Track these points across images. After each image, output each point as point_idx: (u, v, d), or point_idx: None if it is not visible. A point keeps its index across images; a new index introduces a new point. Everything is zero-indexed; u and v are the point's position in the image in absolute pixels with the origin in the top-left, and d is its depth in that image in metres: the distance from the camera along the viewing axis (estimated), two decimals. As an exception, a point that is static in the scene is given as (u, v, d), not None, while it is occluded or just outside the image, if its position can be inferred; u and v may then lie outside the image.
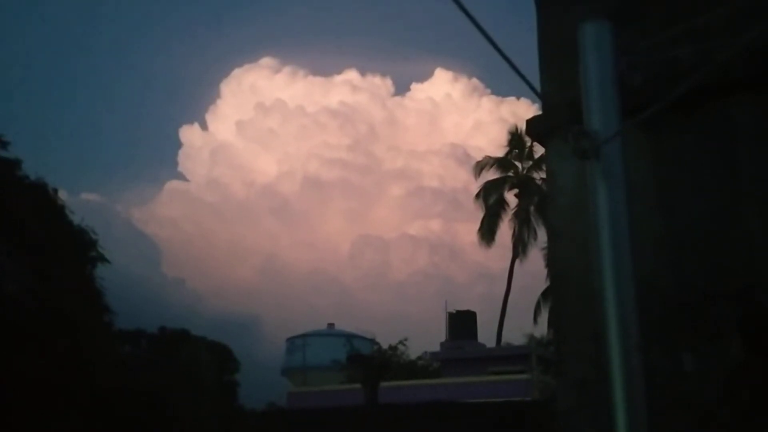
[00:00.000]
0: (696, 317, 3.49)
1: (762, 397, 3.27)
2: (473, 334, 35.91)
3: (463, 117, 72.87)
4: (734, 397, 3.32)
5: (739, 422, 3.31)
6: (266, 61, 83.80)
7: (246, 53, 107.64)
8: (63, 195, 16.50)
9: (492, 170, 39.33)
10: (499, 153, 39.81)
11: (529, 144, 37.21)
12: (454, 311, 36.54)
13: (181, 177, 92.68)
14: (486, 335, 37.53)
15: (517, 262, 38.80)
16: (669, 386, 3.42)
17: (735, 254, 3.46)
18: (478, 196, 39.45)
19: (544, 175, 25.11)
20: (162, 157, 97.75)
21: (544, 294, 33.56)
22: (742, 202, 3.50)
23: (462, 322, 35.67)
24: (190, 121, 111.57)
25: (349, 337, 31.15)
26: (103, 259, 16.59)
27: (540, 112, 4.34)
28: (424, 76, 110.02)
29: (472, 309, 37.45)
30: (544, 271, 31.40)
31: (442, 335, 36.19)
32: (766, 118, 3.47)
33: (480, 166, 39.58)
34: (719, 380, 3.37)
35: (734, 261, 3.46)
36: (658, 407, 3.02)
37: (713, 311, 3.44)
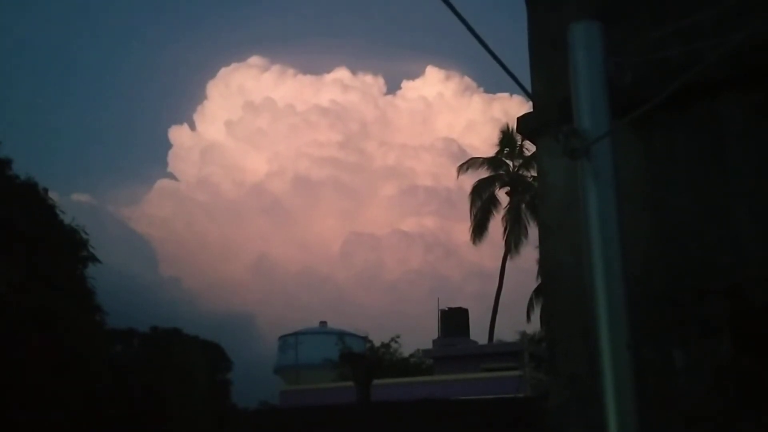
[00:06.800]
0: (686, 314, 3.51)
1: (751, 393, 3.30)
2: (466, 331, 35.88)
3: (456, 115, 72.68)
4: (723, 392, 3.35)
5: (728, 418, 3.34)
6: (254, 60, 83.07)
7: (233, 53, 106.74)
8: (54, 196, 16.42)
9: (480, 170, 39.42)
10: (491, 151, 39.87)
11: (520, 142, 37.29)
12: (447, 308, 36.50)
13: (172, 177, 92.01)
14: (478, 332, 37.54)
15: (509, 259, 38.87)
16: (659, 382, 3.45)
17: (724, 251, 3.49)
18: (470, 194, 39.53)
19: (535, 173, 25.16)
20: (152, 158, 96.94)
21: (537, 291, 33.56)
22: (732, 199, 3.53)
23: (454, 320, 35.65)
24: (180, 122, 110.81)
25: (342, 335, 31.10)
26: (94, 258, 16.52)
27: (531, 110, 4.37)
28: (416, 75, 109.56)
29: (465, 306, 37.49)
30: (536, 269, 31.39)
31: (434, 332, 36.14)
32: (754, 116, 3.51)
33: (465, 168, 39.70)
34: (709, 376, 3.40)
35: (724, 258, 3.49)
36: (648, 403, 3.05)
37: (703, 308, 3.47)
